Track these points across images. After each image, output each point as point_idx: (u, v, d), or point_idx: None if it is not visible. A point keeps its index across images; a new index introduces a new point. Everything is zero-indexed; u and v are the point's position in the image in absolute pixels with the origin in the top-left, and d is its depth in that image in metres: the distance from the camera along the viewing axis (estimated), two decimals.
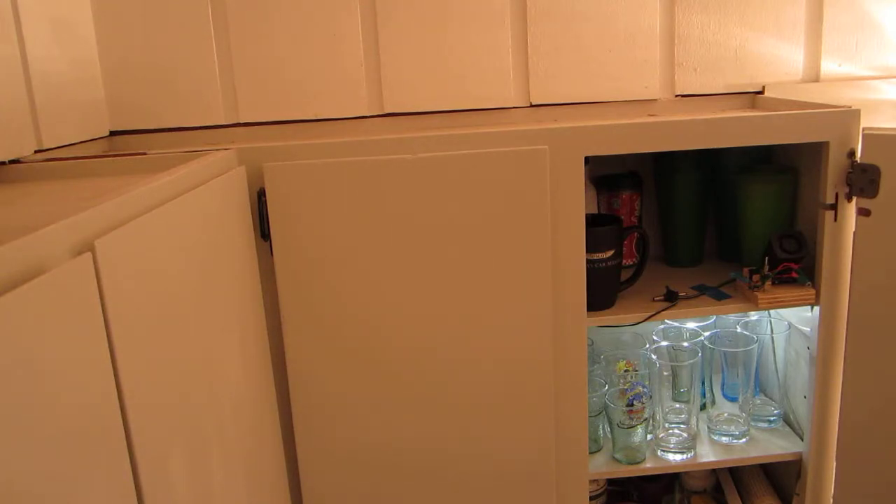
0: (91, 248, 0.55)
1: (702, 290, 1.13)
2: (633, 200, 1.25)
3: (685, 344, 1.23)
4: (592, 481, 1.22)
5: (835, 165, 1.00)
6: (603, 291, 1.09)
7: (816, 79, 1.27)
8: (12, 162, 0.94)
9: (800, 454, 1.13)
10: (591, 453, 1.17)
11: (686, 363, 1.18)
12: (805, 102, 1.09)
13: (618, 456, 1.16)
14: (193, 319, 0.73)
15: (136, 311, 0.62)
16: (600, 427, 1.20)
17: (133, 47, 1.22)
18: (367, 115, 1.26)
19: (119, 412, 0.57)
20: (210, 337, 0.78)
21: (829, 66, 1.26)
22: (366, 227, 0.97)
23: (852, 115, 0.99)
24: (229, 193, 0.90)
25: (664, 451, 1.16)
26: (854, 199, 0.99)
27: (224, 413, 0.80)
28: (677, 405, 1.20)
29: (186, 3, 1.21)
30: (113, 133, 1.25)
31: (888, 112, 1.26)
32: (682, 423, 1.18)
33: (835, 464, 1.05)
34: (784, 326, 1.20)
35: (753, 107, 1.27)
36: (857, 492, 1.03)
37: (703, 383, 1.22)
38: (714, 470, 1.28)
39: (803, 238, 1.06)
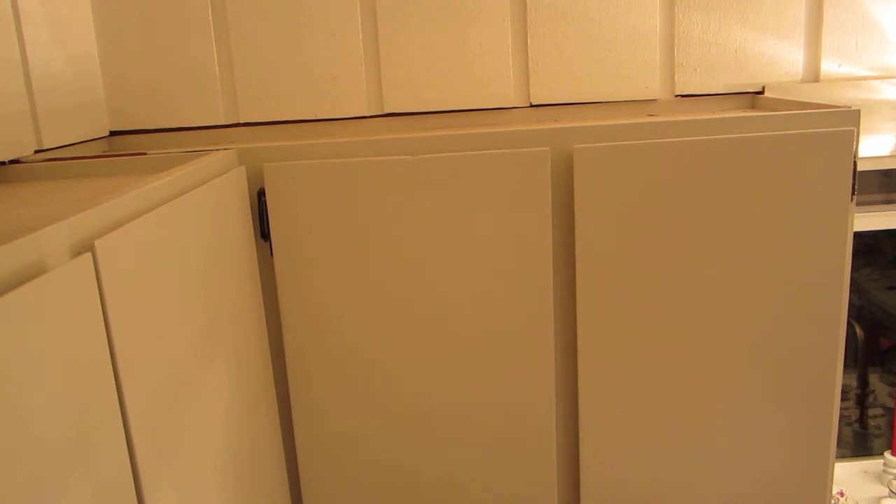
0: (91, 248, 0.55)
1: None
2: None
3: None
4: None
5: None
6: None
7: (816, 79, 1.27)
8: (12, 162, 0.94)
9: None
10: None
11: None
12: (805, 102, 1.09)
13: None
14: (193, 319, 0.73)
15: (136, 311, 0.62)
16: None
17: (133, 47, 1.22)
18: (367, 115, 1.26)
19: (119, 412, 0.57)
20: (210, 337, 0.78)
21: (829, 66, 1.26)
22: (366, 228, 0.97)
23: (852, 115, 0.99)
24: (229, 193, 0.90)
25: None
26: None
27: (223, 412, 0.80)
28: None
29: (186, 3, 1.21)
30: (113, 133, 1.25)
31: (888, 112, 1.26)
32: None
33: None
34: None
35: (753, 107, 1.27)
36: None
37: None
38: None
39: None
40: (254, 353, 0.94)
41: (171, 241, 0.70)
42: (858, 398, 1.68)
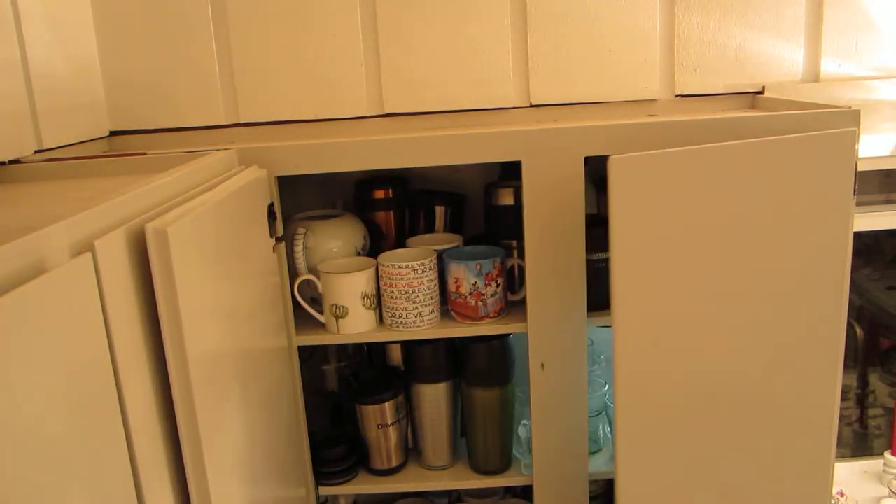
0: (91, 248, 0.55)
1: None
2: None
3: None
4: (592, 482, 1.22)
5: None
6: (603, 291, 1.09)
7: (816, 79, 1.27)
8: (12, 162, 0.94)
9: None
10: (591, 453, 1.17)
11: None
12: (805, 103, 1.09)
13: None
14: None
15: (136, 311, 0.62)
16: (600, 427, 1.20)
17: (133, 48, 1.22)
18: (367, 115, 1.26)
19: (119, 412, 0.57)
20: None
21: (829, 66, 1.26)
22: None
23: (852, 115, 0.99)
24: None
25: None
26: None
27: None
28: None
29: (186, 3, 1.21)
30: (113, 133, 1.25)
31: (888, 112, 1.26)
32: None
33: None
34: None
35: (753, 107, 1.27)
36: None
37: None
38: None
39: None
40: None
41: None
42: (858, 398, 1.68)
